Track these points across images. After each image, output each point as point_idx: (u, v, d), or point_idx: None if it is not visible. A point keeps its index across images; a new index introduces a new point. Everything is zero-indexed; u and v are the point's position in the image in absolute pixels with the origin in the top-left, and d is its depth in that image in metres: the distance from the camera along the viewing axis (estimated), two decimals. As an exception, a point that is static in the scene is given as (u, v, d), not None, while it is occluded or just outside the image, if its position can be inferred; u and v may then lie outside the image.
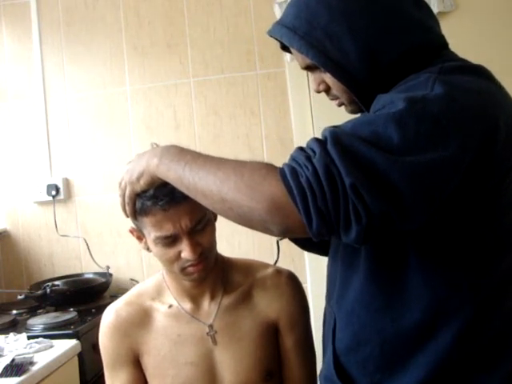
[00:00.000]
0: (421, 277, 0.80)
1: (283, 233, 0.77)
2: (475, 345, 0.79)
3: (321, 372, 0.97)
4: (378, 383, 0.84)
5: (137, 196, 0.98)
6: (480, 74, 0.82)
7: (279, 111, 2.15)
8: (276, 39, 0.93)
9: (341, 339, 0.90)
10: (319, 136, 0.74)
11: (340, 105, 0.94)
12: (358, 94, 0.86)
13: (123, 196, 0.99)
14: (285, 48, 0.97)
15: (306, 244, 1.14)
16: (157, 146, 1.03)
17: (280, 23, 0.89)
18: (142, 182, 0.93)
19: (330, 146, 0.69)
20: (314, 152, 0.71)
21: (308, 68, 0.92)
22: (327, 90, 0.92)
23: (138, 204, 0.99)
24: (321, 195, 0.67)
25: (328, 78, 0.89)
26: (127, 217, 1.04)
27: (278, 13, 2.07)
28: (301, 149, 0.74)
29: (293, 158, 0.73)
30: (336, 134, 0.71)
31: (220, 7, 2.18)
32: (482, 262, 0.80)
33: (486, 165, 0.75)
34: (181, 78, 2.20)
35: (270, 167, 0.75)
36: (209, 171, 0.78)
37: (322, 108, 2.03)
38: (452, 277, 0.80)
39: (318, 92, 0.93)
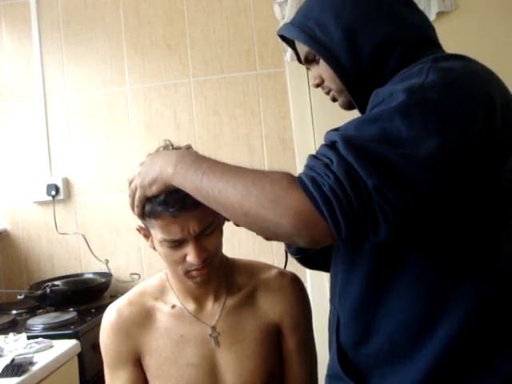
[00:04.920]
0: (424, 268, 0.81)
1: (310, 244, 0.77)
2: (481, 334, 0.79)
3: (327, 372, 0.97)
4: (388, 372, 0.84)
5: (147, 200, 0.97)
6: (470, 59, 0.85)
7: (279, 111, 2.15)
8: (283, 39, 1.04)
9: (347, 335, 0.90)
10: (321, 138, 0.75)
11: (333, 99, 1.00)
12: (346, 82, 0.91)
13: (133, 197, 0.98)
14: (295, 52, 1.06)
15: (313, 263, 1.17)
16: (170, 142, 1.03)
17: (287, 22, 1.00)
18: (154, 189, 0.92)
19: (344, 152, 0.69)
20: (330, 159, 0.71)
21: (306, 61, 0.99)
22: (322, 84, 0.99)
23: (148, 207, 0.98)
24: (346, 201, 0.67)
25: (321, 69, 0.96)
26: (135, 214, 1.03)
27: (278, 13, 2.07)
28: (315, 157, 0.74)
29: (310, 168, 0.73)
30: (346, 138, 0.71)
31: (220, 7, 2.18)
32: (483, 249, 0.80)
33: (489, 143, 0.76)
34: (181, 78, 2.20)
35: (289, 178, 0.74)
36: (228, 183, 0.77)
37: (322, 108, 2.03)
38: (455, 267, 0.80)
39: (316, 86, 1.00)
